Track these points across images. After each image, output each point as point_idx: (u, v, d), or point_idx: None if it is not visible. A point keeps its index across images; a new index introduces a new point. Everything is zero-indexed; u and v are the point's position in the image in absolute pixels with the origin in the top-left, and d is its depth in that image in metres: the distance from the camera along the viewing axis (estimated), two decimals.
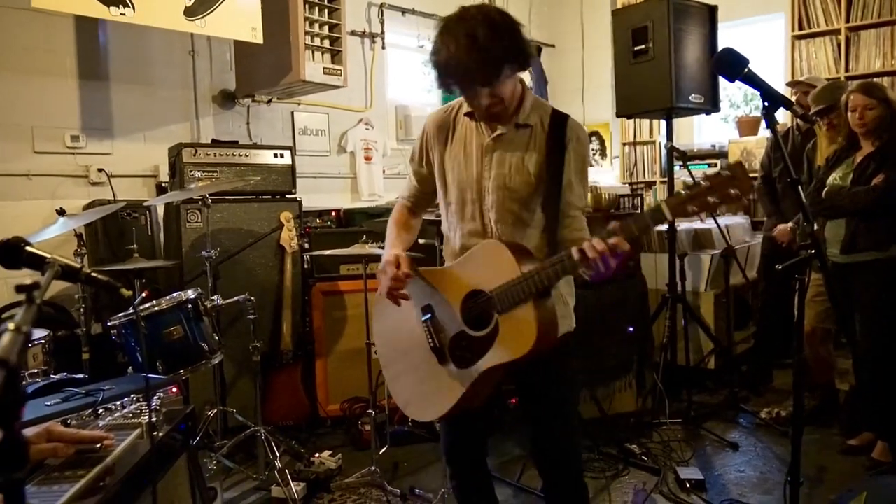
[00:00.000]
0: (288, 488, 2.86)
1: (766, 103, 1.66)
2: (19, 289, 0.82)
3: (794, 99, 3.97)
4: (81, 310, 3.19)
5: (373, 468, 3.08)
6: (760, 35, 5.93)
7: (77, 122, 3.80)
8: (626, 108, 4.03)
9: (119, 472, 1.30)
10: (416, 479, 3.12)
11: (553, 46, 6.89)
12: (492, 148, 1.77)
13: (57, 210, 3.09)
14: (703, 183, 1.40)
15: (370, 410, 3.21)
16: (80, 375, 2.80)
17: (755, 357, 4.35)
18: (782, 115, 4.21)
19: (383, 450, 3.28)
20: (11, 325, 0.69)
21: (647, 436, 3.47)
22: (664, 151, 5.76)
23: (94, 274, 1.17)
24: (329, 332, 3.85)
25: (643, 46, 3.78)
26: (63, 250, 3.33)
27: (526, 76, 6.26)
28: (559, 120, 1.76)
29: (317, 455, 3.17)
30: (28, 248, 1.14)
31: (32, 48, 3.62)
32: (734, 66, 1.66)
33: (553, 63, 6.84)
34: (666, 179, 4.25)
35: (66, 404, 2.24)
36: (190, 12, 3.54)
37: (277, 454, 3.05)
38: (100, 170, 3.82)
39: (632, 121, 6.24)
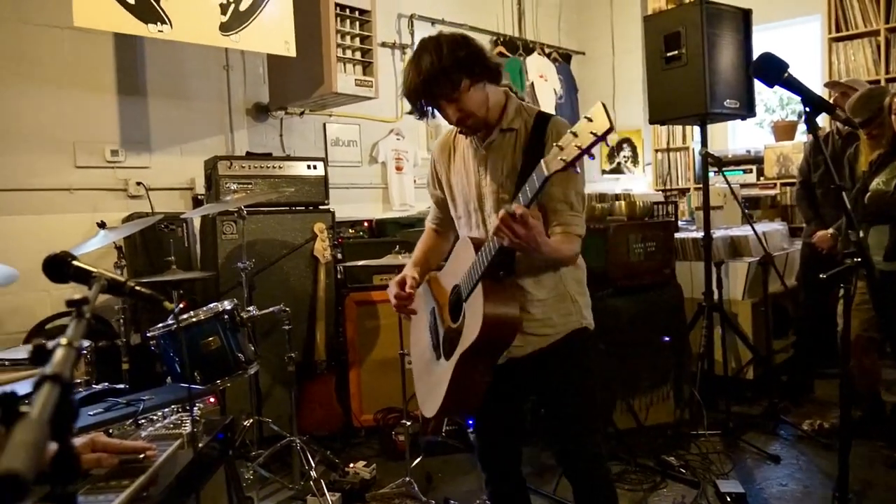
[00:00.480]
0: (323, 498, 2.87)
1: (808, 108, 1.62)
2: (70, 304, 0.84)
3: (832, 100, 3.89)
4: (121, 321, 3.25)
5: (407, 479, 3.08)
6: (796, 38, 5.83)
7: (116, 136, 3.89)
8: (659, 114, 3.99)
9: (162, 482, 1.32)
10: (450, 489, 3.11)
11: (583, 54, 6.87)
12: (485, 157, 1.88)
13: (98, 223, 3.16)
14: (568, 132, 1.45)
15: (404, 420, 3.21)
16: (121, 385, 2.85)
17: (795, 367, 4.25)
18: (821, 119, 4.13)
19: (417, 460, 3.27)
20: (64, 341, 0.71)
21: (685, 447, 3.40)
22: (698, 158, 5.68)
23: (137, 287, 1.19)
24: (362, 342, 3.86)
25: (676, 52, 3.74)
26: (103, 262, 3.41)
27: (556, 84, 6.27)
28: (542, 120, 1.83)
29: (351, 465, 3.18)
30: (75, 263, 1.16)
31: (74, 65, 3.72)
32: (774, 70, 1.63)
33: (583, 70, 6.82)
34: (700, 186, 4.19)
35: (108, 414, 2.28)
36: (225, 27, 3.61)
37: (313, 464, 3.06)
38: (138, 183, 3.90)
39: (664, 127, 6.17)
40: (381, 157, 5.22)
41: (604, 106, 1.39)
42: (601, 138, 1.38)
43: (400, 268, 3.26)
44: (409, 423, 3.19)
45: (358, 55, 4.21)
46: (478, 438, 2.12)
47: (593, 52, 6.83)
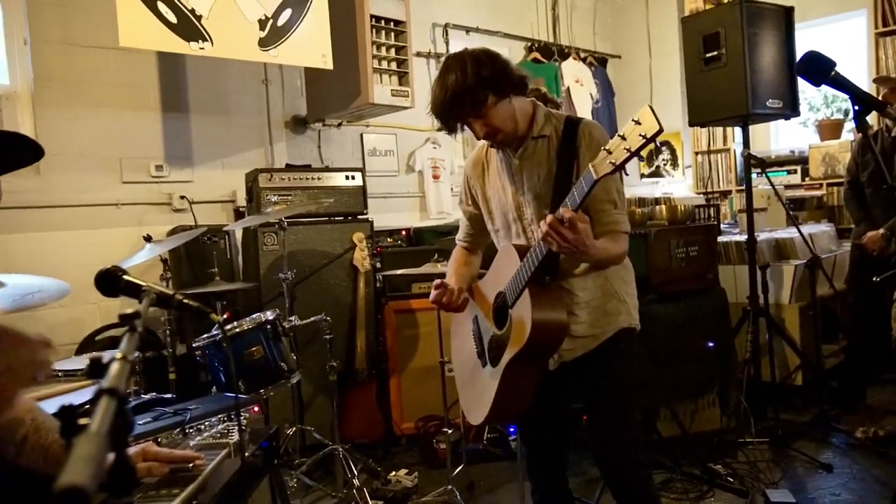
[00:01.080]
0: None
1: (857, 107, 1.58)
2: (122, 318, 0.86)
3: (880, 97, 3.78)
4: (167, 332, 3.33)
5: (449, 487, 3.07)
6: (840, 34, 5.68)
7: (161, 152, 3.99)
8: (699, 116, 3.93)
9: (210, 491, 1.34)
10: (492, 498, 3.10)
11: (619, 57, 6.80)
12: (519, 166, 1.89)
13: (144, 237, 3.25)
14: (617, 136, 1.45)
15: (445, 428, 3.21)
16: (169, 395, 2.92)
17: (847, 372, 4.12)
18: (870, 117, 4.00)
19: (459, 468, 3.26)
20: (118, 355, 0.73)
21: (732, 455, 3.32)
22: (740, 159, 5.57)
23: (185, 300, 1.22)
24: (402, 351, 3.88)
25: (715, 52, 3.67)
26: (149, 274, 3.49)
27: (593, 88, 6.22)
28: (572, 124, 1.85)
29: (393, 473, 3.19)
30: (125, 277, 1.20)
31: (120, 84, 3.83)
32: (820, 69, 1.59)
33: (619, 74, 6.76)
34: (743, 188, 4.10)
35: (157, 423, 2.33)
36: (263, 43, 3.68)
37: (355, 472, 3.08)
38: (182, 197, 3.99)
39: (705, 129, 6.07)
40: (418, 166, 5.25)
41: (651, 108, 1.39)
42: (650, 140, 1.38)
43: (439, 276, 3.28)
44: (450, 431, 3.19)
45: (393, 66, 4.25)
46: (524, 446, 2.13)
47: (630, 56, 6.77)
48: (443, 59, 1.85)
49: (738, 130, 4.02)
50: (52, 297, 2.78)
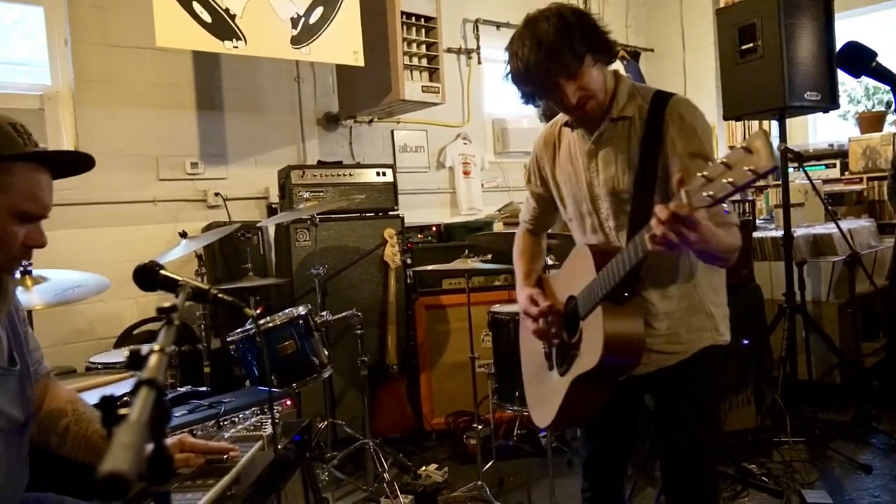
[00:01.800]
0: (396, 501, 2.91)
1: None
2: (160, 311, 0.89)
3: None
4: (202, 326, 3.39)
5: (479, 482, 3.08)
6: (882, 24, 5.53)
7: (196, 150, 4.06)
8: (734, 109, 3.86)
9: (245, 482, 1.37)
10: (522, 494, 3.09)
11: (652, 51, 6.71)
12: (594, 152, 1.67)
13: (180, 233, 3.32)
14: (720, 162, 1.18)
15: (475, 424, 3.22)
16: (203, 388, 2.98)
17: (887, 371, 4.01)
18: None
19: (489, 464, 3.27)
20: (157, 347, 0.75)
21: (767, 455, 3.27)
22: (777, 153, 5.45)
23: (220, 295, 1.24)
24: (433, 346, 3.89)
25: (751, 45, 3.60)
26: (185, 270, 3.56)
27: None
28: (659, 102, 1.60)
29: (423, 468, 3.21)
30: (162, 272, 1.23)
31: (156, 84, 3.91)
32: (860, 60, 1.55)
33: (652, 68, 6.67)
34: (779, 183, 4.02)
35: (193, 416, 2.38)
36: (296, 41, 3.72)
37: (386, 466, 3.11)
38: (216, 194, 4.06)
39: (740, 123, 5.96)
40: (449, 162, 5.25)
41: (766, 135, 1.16)
42: (760, 177, 1.14)
43: (470, 271, 3.29)
44: (479, 427, 3.20)
45: (424, 62, 4.26)
46: (585, 444, 1.97)
47: (663, 49, 6.67)
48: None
49: (774, 124, 3.93)
50: (91, 291, 2.87)
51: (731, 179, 1.15)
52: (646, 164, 1.57)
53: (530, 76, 1.56)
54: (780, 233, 3.79)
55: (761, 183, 5.96)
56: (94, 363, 2.92)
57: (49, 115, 3.64)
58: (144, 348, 0.76)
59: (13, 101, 3.53)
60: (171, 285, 1.21)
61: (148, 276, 1.22)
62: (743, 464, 3.10)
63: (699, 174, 1.20)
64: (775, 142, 5.05)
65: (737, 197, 5.04)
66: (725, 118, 4.03)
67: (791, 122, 4.65)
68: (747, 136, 1.14)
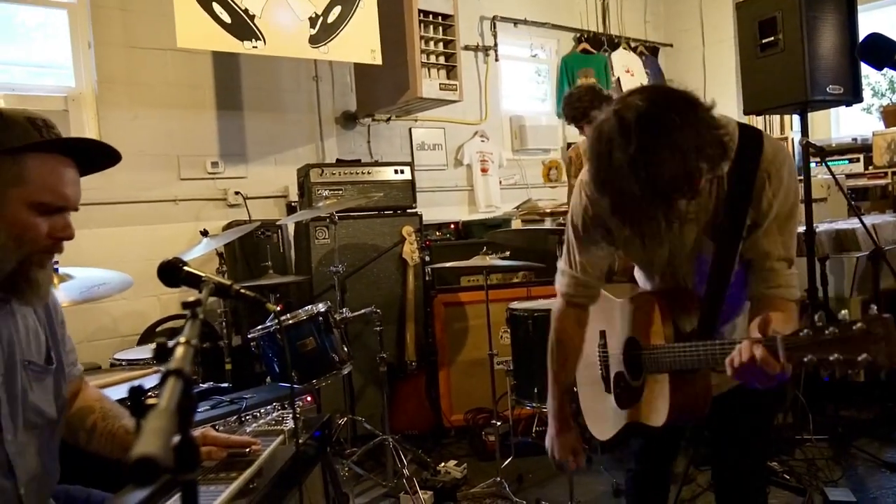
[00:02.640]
0: (416, 496, 2.92)
1: None
2: (185, 305, 0.91)
3: None
4: (223, 323, 3.43)
5: (498, 479, 3.09)
6: None
7: (216, 149, 4.11)
8: (755, 104, 3.82)
9: (266, 475, 1.38)
10: (541, 491, 3.09)
11: (671, 46, 6.67)
12: None
13: (201, 231, 3.36)
14: (833, 330, 1.05)
15: (494, 421, 3.22)
16: (225, 384, 3.02)
17: None
18: None
19: (508, 461, 3.27)
20: (182, 339, 0.77)
21: (789, 453, 3.23)
22: (798, 148, 5.39)
23: (242, 290, 1.26)
24: (451, 343, 3.90)
25: (772, 38, 3.56)
26: (206, 268, 3.56)
27: (644, 78, 6.12)
28: (750, 151, 1.40)
29: (442, 464, 3.22)
30: (185, 268, 1.25)
31: (177, 84, 3.96)
32: (883, 52, 1.53)
33: (671, 63, 6.62)
34: (801, 178, 3.97)
35: (215, 411, 2.41)
36: (314, 40, 3.75)
37: (405, 462, 3.12)
38: (236, 192, 4.11)
39: (761, 117, 5.89)
40: (466, 160, 5.26)
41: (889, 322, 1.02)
42: (864, 366, 1.02)
43: (488, 269, 3.28)
44: (498, 424, 3.20)
45: (442, 60, 4.27)
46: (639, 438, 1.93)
47: (682, 44, 6.62)
48: (613, 109, 1.29)
49: (796, 118, 3.89)
50: (115, 289, 2.91)
51: (841, 358, 1.03)
52: (732, 223, 1.41)
53: (637, 210, 1.28)
54: (801, 228, 3.75)
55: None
56: (118, 359, 2.98)
57: (73, 116, 3.71)
58: (171, 341, 0.78)
59: (38, 103, 3.59)
60: (194, 281, 1.23)
61: (172, 273, 1.24)
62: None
63: (806, 330, 1.08)
64: (797, 136, 4.99)
65: None
66: (746, 113, 3.99)
67: (813, 116, 4.60)
68: (875, 313, 1.02)
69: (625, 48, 6.15)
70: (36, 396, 1.36)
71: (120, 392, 1.91)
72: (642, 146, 1.21)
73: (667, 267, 1.58)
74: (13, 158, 1.24)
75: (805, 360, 1.07)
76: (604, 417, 1.79)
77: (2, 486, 1.27)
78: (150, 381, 2.28)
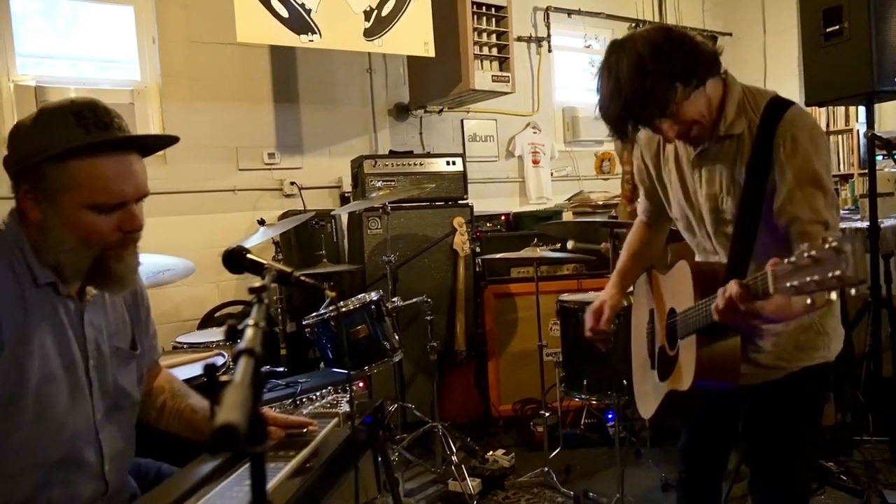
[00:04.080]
0: (464, 483, 2.96)
1: None
2: (252, 290, 0.96)
3: None
4: (279, 310, 3.54)
5: (545, 469, 3.11)
6: None
7: (273, 141, 4.22)
8: (817, 95, 3.70)
9: (322, 455, 1.44)
10: (589, 482, 3.10)
11: (730, 35, 6.49)
12: (698, 164, 1.59)
13: (258, 220, 3.46)
14: (810, 254, 1.10)
15: (542, 412, 3.24)
16: (280, 369, 3.12)
17: None
18: None
19: (556, 451, 3.29)
20: (251, 322, 0.82)
21: (847, 454, 3.15)
22: (863, 140, 5.20)
23: (302, 277, 1.31)
24: (501, 334, 3.93)
25: (837, 27, 3.44)
26: (263, 256, 3.70)
27: None
28: (771, 117, 1.47)
29: (490, 453, 3.25)
30: (249, 256, 1.31)
31: (236, 77, 4.08)
32: None
33: (730, 53, 6.44)
34: (866, 171, 3.84)
35: (271, 394, 2.51)
36: (368, 33, 3.80)
37: (454, 449, 3.17)
38: (292, 183, 4.21)
39: (823, 109, 5.71)
40: (518, 151, 5.25)
41: (857, 248, 1.09)
42: (845, 286, 1.07)
43: (538, 260, 3.30)
44: (547, 415, 3.22)
45: (494, 51, 4.27)
46: (684, 432, 1.93)
47: (742, 33, 6.44)
48: (609, 47, 1.49)
49: (861, 110, 3.76)
50: (180, 275, 3.04)
51: (816, 278, 1.08)
52: (753, 188, 1.48)
53: (616, 124, 1.48)
54: (865, 224, 3.63)
55: (845, 171, 5.70)
56: (179, 343, 3.10)
57: (139, 109, 3.86)
58: (241, 324, 0.83)
59: (106, 97, 3.68)
60: (256, 268, 1.29)
61: (236, 260, 1.30)
62: (820, 461, 3.01)
63: (786, 260, 1.13)
64: (862, 128, 4.82)
65: None
66: (807, 104, 3.86)
67: (880, 108, 4.43)
68: (832, 241, 1.08)
69: None
70: (123, 380, 1.45)
71: (183, 373, 2.01)
72: (602, 71, 1.48)
73: (700, 223, 1.65)
74: (58, 165, 1.23)
75: (788, 285, 1.12)
76: (649, 395, 1.82)
77: (89, 461, 1.36)
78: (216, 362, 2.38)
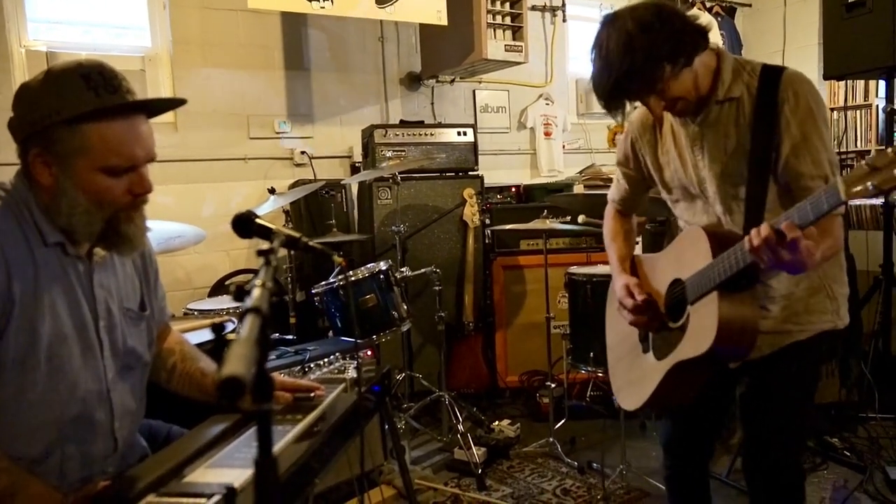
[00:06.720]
0: (470, 452, 3.00)
1: None
2: (260, 252, 0.97)
3: None
4: (289, 278, 3.56)
5: (550, 440, 3.14)
6: None
7: (284, 109, 4.20)
8: (837, 68, 3.64)
9: (328, 420, 1.46)
10: (593, 454, 3.13)
11: (749, 6, 6.36)
12: (700, 134, 1.60)
13: (268, 189, 3.47)
14: (889, 152, 1.11)
15: (549, 383, 3.26)
16: (289, 336, 3.15)
17: None
18: None
19: (561, 423, 3.31)
20: (258, 282, 0.83)
21: (852, 430, 3.16)
22: (882, 115, 5.12)
23: (310, 243, 1.32)
24: (509, 306, 3.94)
25: None
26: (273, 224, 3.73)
27: (718, 40, 5.88)
28: (770, 79, 1.50)
29: (496, 423, 3.28)
30: (258, 221, 1.31)
31: (247, 45, 4.05)
32: None
33: (749, 24, 6.33)
34: (884, 147, 3.79)
35: (280, 360, 2.54)
36: (381, 0, 3.75)
37: (460, 419, 3.20)
38: (302, 152, 4.21)
39: (842, 83, 5.59)
40: (530, 123, 5.21)
41: None
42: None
43: (548, 232, 3.29)
44: (553, 386, 3.24)
45: (508, 20, 4.21)
46: (666, 424, 1.92)
47: (761, 4, 6.31)
48: (600, 20, 1.52)
49: (882, 84, 3.69)
50: (190, 241, 3.06)
51: (875, 182, 1.11)
52: (760, 148, 1.49)
53: (607, 100, 1.53)
54: (879, 201, 3.59)
55: (863, 147, 5.62)
56: (190, 309, 3.14)
57: (150, 75, 3.85)
58: (248, 284, 0.84)
59: (117, 63, 3.60)
60: (265, 233, 1.29)
61: (245, 224, 1.30)
62: (825, 437, 3.02)
63: (862, 163, 1.14)
64: (882, 103, 4.73)
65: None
66: (826, 77, 3.81)
67: None
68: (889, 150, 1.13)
69: (700, 8, 5.90)
70: (133, 340, 1.47)
71: (194, 338, 2.03)
72: (595, 45, 1.53)
73: (700, 196, 1.66)
74: (71, 129, 1.25)
75: (868, 186, 1.14)
76: (639, 383, 1.76)
77: (100, 419, 1.39)
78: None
